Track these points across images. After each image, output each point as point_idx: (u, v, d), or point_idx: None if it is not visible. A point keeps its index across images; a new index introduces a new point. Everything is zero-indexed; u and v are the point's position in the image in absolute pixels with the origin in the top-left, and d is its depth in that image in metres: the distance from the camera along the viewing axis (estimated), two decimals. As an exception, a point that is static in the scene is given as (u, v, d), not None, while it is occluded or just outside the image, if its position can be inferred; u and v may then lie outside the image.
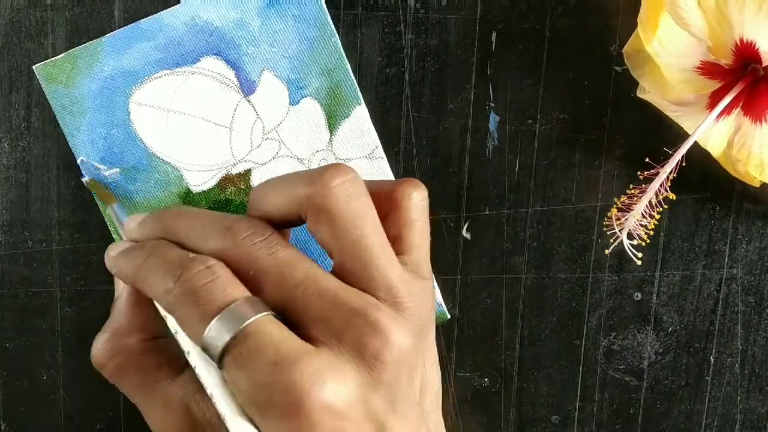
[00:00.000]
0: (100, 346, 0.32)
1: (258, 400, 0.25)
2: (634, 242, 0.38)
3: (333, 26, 0.39)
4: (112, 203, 0.39)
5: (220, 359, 0.26)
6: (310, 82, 0.40)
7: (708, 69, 0.36)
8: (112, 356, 0.31)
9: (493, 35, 0.40)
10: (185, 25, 0.39)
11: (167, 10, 0.39)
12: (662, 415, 0.43)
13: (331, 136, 0.40)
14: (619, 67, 0.40)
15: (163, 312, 0.29)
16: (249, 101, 0.40)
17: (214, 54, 0.40)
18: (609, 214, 0.38)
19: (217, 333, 0.25)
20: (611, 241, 0.38)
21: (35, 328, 0.43)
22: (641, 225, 0.37)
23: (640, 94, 0.39)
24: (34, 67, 0.40)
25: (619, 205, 0.38)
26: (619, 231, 0.37)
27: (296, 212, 0.29)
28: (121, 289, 0.32)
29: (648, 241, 0.37)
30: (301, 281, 0.27)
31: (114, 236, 0.41)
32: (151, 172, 0.41)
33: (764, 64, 0.35)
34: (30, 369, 0.43)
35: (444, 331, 0.42)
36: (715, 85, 0.37)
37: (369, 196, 0.29)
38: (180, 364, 0.31)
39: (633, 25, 0.37)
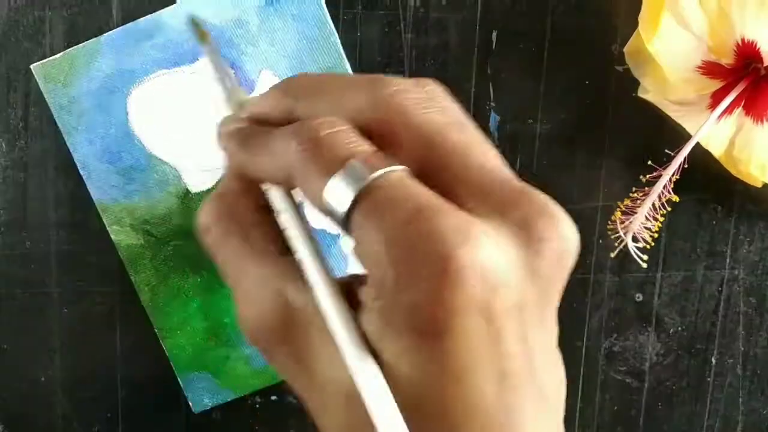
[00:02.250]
0: (207, 209, 0.27)
1: (396, 255, 0.20)
2: (639, 245, 0.37)
3: (332, 25, 0.39)
4: (208, 42, 0.34)
5: (345, 221, 0.22)
6: None
7: (709, 68, 0.36)
8: (219, 219, 0.27)
9: (494, 35, 0.40)
10: (184, 24, 0.39)
11: (166, 9, 0.39)
12: (663, 417, 0.43)
13: None
14: (620, 67, 0.40)
15: (276, 205, 0.26)
16: None
17: None
18: (613, 218, 0.38)
19: (343, 186, 0.21)
20: (616, 244, 0.38)
21: (33, 329, 0.43)
22: (645, 228, 0.37)
23: (641, 94, 0.39)
24: (32, 66, 0.39)
25: (623, 209, 0.37)
26: (624, 234, 0.37)
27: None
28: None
29: (652, 243, 0.37)
30: (459, 148, 0.23)
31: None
32: (149, 172, 0.40)
33: (765, 64, 0.35)
34: (28, 370, 0.43)
35: (444, 332, 0.42)
36: (716, 84, 0.37)
37: None
38: (284, 249, 0.26)
39: (634, 25, 0.36)
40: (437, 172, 0.22)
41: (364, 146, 0.22)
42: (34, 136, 0.41)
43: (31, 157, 0.42)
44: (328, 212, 0.22)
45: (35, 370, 0.43)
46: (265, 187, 0.27)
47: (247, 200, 0.27)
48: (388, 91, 0.23)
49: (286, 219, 0.26)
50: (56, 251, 0.42)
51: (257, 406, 0.43)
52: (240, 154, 0.27)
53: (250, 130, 0.27)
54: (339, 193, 0.22)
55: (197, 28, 0.36)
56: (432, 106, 0.23)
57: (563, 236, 0.22)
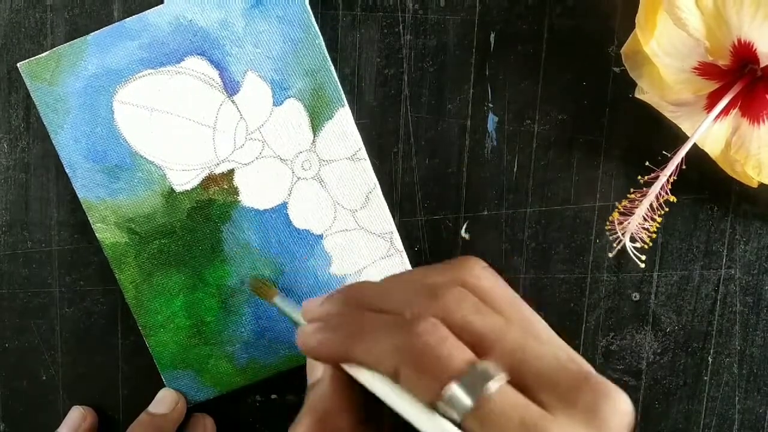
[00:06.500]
0: (310, 429, 0.29)
1: None
2: (637, 245, 0.38)
3: (317, 28, 0.39)
4: (274, 296, 0.39)
5: (458, 422, 0.25)
6: (294, 83, 0.40)
7: (706, 70, 0.36)
8: None
9: (492, 36, 0.40)
10: (169, 24, 0.39)
11: (152, 9, 0.39)
12: (661, 415, 0.43)
13: (314, 137, 0.40)
14: (617, 68, 0.40)
15: (376, 386, 0.28)
16: (233, 101, 0.40)
17: (198, 54, 0.40)
18: (611, 218, 0.38)
19: (459, 395, 0.25)
20: (614, 245, 0.38)
21: (35, 329, 0.43)
22: (643, 228, 0.37)
23: (638, 95, 0.39)
24: (18, 64, 0.40)
25: (621, 209, 0.38)
26: (622, 235, 0.37)
27: None
28: (320, 371, 0.30)
29: (650, 244, 0.37)
30: (518, 345, 0.27)
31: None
32: (134, 171, 0.41)
33: (762, 65, 0.35)
34: (29, 369, 0.43)
35: (443, 332, 0.43)
36: (713, 86, 0.37)
37: None
38: None
39: (631, 26, 0.37)
40: (507, 368, 0.26)
41: (469, 355, 0.26)
42: (35, 137, 0.42)
43: (32, 157, 0.42)
44: (440, 411, 0.26)
45: (36, 369, 0.43)
46: (361, 377, 0.28)
47: (348, 413, 0.29)
48: (446, 303, 0.28)
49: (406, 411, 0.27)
50: (58, 251, 0.42)
51: (257, 404, 0.43)
52: (338, 343, 0.29)
53: (349, 316, 0.29)
54: (455, 401, 0.25)
55: (261, 288, 0.40)
56: (482, 311, 0.28)
57: (623, 412, 0.26)
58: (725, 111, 0.37)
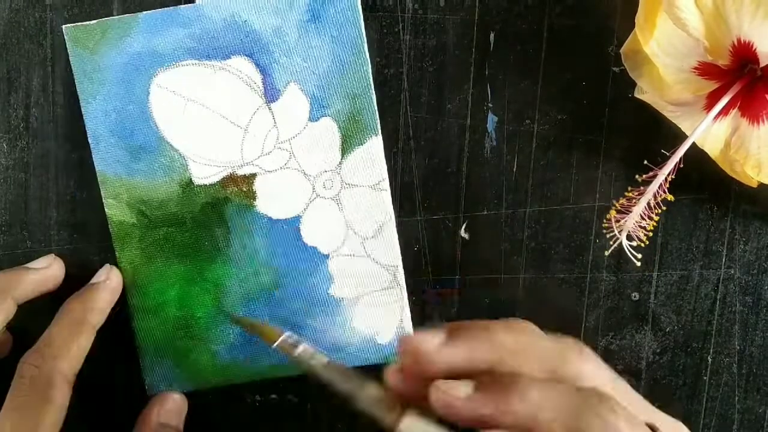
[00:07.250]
0: None
1: None
2: (634, 244, 0.38)
3: (367, 54, 0.39)
4: (277, 337, 0.35)
5: None
6: (334, 103, 0.40)
7: (705, 70, 0.36)
8: None
9: (491, 36, 0.40)
10: (224, 20, 0.40)
11: (209, 0, 0.39)
12: (660, 415, 0.43)
13: (341, 159, 0.40)
14: (617, 68, 0.40)
15: None
16: (269, 108, 0.40)
17: (245, 55, 0.40)
18: (608, 216, 0.38)
19: None
20: (610, 243, 0.38)
21: (33, 329, 0.43)
22: (640, 226, 0.37)
23: (637, 95, 0.39)
24: (63, 27, 0.40)
25: (618, 207, 0.38)
26: (618, 233, 0.37)
27: None
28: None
29: (647, 242, 0.37)
30: None
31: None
32: (157, 155, 0.41)
33: (761, 65, 0.35)
34: (29, 369, 0.43)
35: (442, 331, 0.43)
36: (712, 85, 0.37)
37: None
38: None
39: (631, 26, 0.37)
40: None
41: None
42: (35, 136, 0.42)
43: (32, 157, 0.42)
44: None
45: (36, 369, 0.43)
46: None
47: None
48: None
49: None
50: (57, 251, 0.42)
51: (257, 404, 0.44)
52: (486, 405, 0.29)
53: (499, 380, 0.29)
54: None
55: (261, 329, 0.37)
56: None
57: None
58: (725, 111, 0.37)
